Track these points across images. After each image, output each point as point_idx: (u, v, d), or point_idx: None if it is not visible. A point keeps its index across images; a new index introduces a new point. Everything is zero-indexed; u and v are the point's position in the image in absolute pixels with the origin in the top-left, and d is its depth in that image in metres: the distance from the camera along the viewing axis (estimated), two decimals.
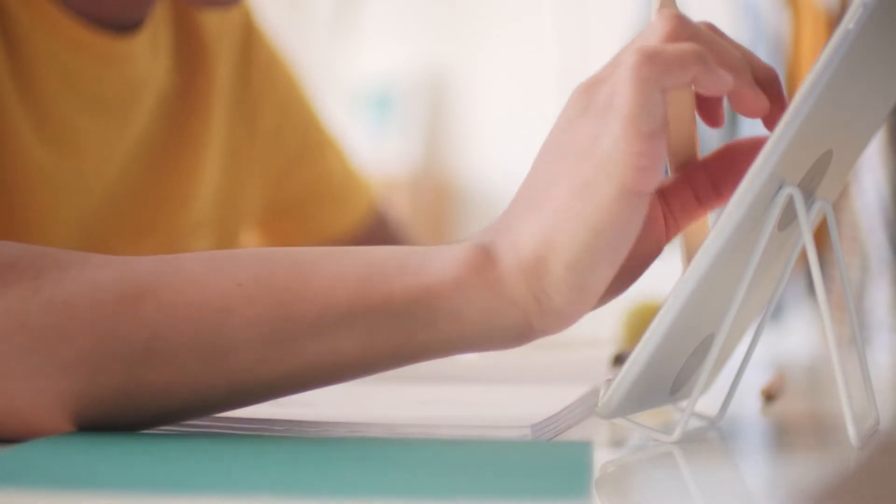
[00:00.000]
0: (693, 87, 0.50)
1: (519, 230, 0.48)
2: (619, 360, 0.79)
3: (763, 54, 2.70)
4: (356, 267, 0.48)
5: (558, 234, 0.47)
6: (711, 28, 0.50)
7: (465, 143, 3.62)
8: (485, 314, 0.47)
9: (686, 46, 0.47)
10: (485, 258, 0.48)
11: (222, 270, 0.48)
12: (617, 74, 0.47)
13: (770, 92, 0.51)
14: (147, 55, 0.84)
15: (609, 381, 0.50)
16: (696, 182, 0.53)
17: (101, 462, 0.42)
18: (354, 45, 3.63)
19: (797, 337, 2.65)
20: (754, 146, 0.51)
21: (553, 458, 0.44)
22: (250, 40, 0.96)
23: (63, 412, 0.47)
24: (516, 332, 0.48)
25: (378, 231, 1.10)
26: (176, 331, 0.47)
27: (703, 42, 0.48)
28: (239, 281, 0.47)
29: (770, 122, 0.51)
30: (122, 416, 0.48)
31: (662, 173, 0.47)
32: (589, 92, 0.49)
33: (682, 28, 0.48)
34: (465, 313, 0.47)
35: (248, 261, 0.48)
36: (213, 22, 0.92)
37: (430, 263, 0.48)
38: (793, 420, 0.63)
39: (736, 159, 0.52)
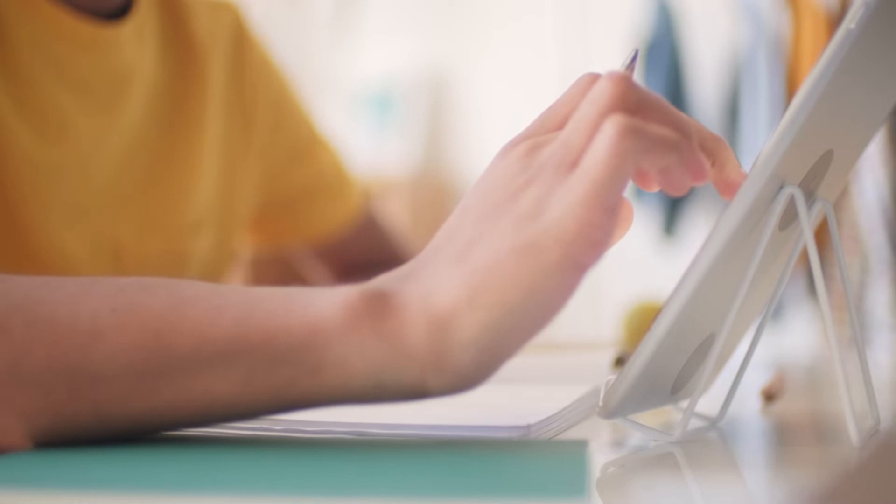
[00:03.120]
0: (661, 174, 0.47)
1: (434, 282, 0.44)
2: (620, 362, 0.79)
3: (763, 54, 2.70)
4: (237, 303, 0.45)
5: (483, 292, 0.43)
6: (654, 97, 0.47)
7: (465, 143, 3.62)
8: (375, 366, 0.44)
9: (669, 132, 0.45)
10: (381, 306, 0.44)
11: (98, 294, 0.46)
12: (576, 136, 0.45)
13: (713, 159, 0.49)
14: (133, 44, 0.84)
15: (610, 382, 0.50)
16: None
17: (100, 462, 0.42)
18: (355, 45, 3.64)
19: (797, 337, 2.66)
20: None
21: (550, 457, 0.44)
22: (242, 42, 0.97)
23: None
24: (410, 390, 0.44)
25: (367, 228, 1.12)
26: (43, 351, 0.45)
27: (652, 109, 0.46)
28: (113, 306, 0.45)
29: (723, 190, 0.49)
30: None
31: (607, 251, 0.44)
32: (531, 153, 0.47)
33: (631, 92, 0.46)
34: (353, 363, 0.44)
35: (126, 287, 0.46)
36: (204, 21, 0.93)
37: (317, 304, 0.44)
38: (793, 420, 0.63)
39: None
